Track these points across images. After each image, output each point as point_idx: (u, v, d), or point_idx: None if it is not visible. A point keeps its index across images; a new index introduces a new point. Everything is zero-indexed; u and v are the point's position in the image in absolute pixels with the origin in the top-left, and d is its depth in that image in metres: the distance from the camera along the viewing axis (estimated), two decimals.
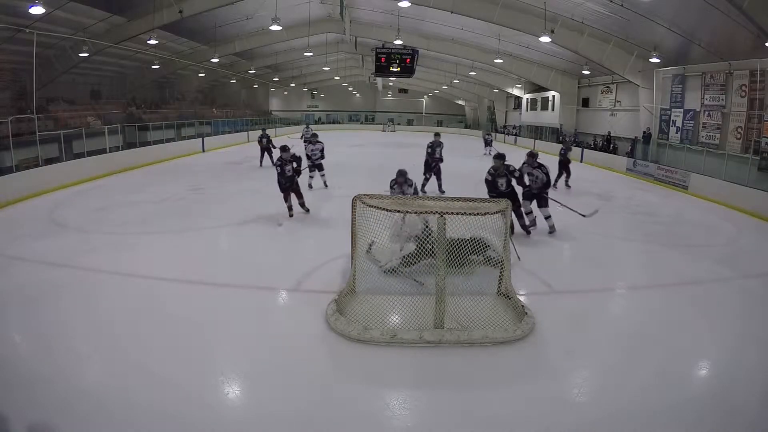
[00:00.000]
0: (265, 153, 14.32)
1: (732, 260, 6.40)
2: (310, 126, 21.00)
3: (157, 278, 4.97)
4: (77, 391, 3.02)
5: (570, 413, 3.00)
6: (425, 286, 4.42)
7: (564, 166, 11.93)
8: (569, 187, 11.83)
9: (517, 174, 6.69)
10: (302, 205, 7.87)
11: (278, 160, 7.56)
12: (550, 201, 7.09)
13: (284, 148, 7.66)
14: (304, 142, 17.20)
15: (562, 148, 12.27)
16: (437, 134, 10.31)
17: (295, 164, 7.64)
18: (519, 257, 5.60)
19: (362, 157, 17.98)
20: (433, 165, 9.88)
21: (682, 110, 15.00)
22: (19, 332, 3.89)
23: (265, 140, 14.38)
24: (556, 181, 11.40)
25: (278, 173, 7.51)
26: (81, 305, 4.30)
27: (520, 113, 28.73)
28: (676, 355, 3.74)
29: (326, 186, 10.55)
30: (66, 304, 4.32)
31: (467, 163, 16.65)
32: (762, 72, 11.60)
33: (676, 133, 15.26)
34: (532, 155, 7.12)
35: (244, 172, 13.38)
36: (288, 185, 7.58)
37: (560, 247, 6.67)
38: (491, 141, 21.84)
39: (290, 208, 7.70)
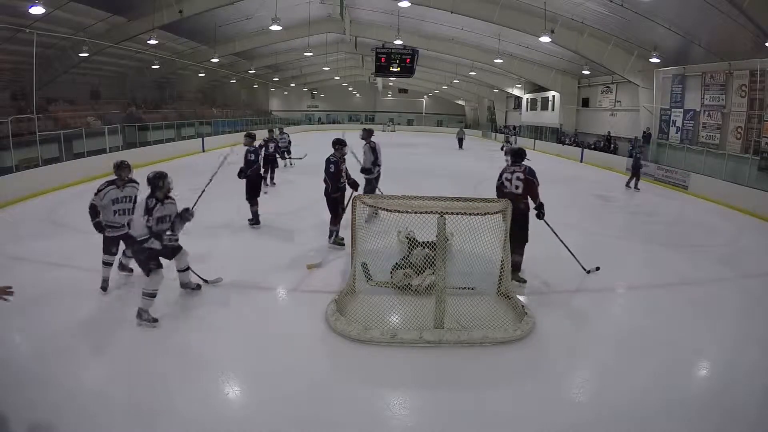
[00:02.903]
0: (271, 165, 10.58)
1: (732, 260, 6.41)
2: (284, 130, 14.98)
3: None
4: (77, 391, 3.02)
5: (570, 413, 3.00)
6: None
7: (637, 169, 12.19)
8: (638, 189, 12.14)
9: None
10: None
11: (332, 156, 6.01)
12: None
13: (340, 142, 6.09)
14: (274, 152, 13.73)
15: (638, 152, 12.59)
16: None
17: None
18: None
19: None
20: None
21: (682, 110, 15.00)
22: (19, 332, 3.88)
23: (272, 146, 10.60)
24: (629, 183, 12.34)
25: (330, 176, 5.91)
26: (81, 305, 4.29)
27: (520, 113, 28.73)
28: (675, 355, 3.74)
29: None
30: (66, 304, 4.31)
31: (466, 163, 16.66)
32: (762, 72, 11.59)
33: (676, 133, 15.26)
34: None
35: None
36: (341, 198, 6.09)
37: (560, 247, 6.66)
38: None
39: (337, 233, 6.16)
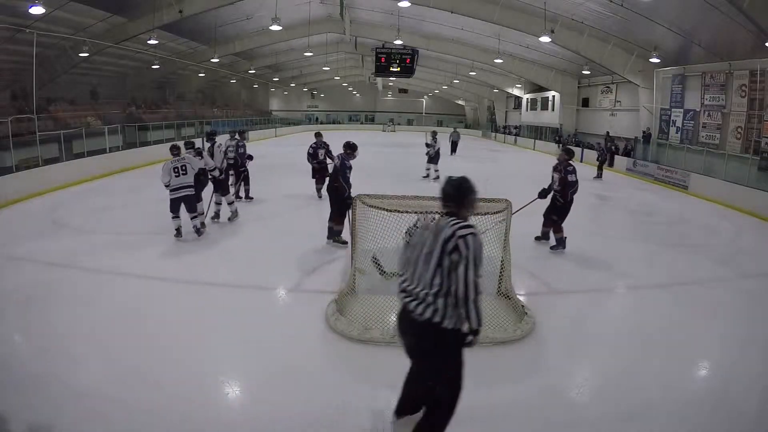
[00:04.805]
0: (321, 173, 8.90)
1: (732, 260, 6.41)
2: (246, 134, 11.18)
3: (156, 278, 4.97)
4: (77, 392, 3.02)
5: (570, 413, 3.00)
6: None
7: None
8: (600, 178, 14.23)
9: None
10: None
11: (345, 160, 6.12)
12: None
13: (351, 146, 6.28)
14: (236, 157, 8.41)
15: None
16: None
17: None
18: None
19: (362, 158, 17.96)
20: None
21: (682, 110, 15.01)
22: (19, 332, 3.88)
23: (322, 153, 8.99)
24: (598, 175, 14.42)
25: (347, 180, 6.06)
26: (81, 305, 4.29)
27: (520, 113, 28.74)
28: (676, 355, 3.73)
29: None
30: (66, 304, 4.31)
31: (467, 164, 16.64)
32: (762, 72, 11.60)
33: (676, 133, 15.26)
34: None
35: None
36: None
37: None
38: (436, 154, 12.51)
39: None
